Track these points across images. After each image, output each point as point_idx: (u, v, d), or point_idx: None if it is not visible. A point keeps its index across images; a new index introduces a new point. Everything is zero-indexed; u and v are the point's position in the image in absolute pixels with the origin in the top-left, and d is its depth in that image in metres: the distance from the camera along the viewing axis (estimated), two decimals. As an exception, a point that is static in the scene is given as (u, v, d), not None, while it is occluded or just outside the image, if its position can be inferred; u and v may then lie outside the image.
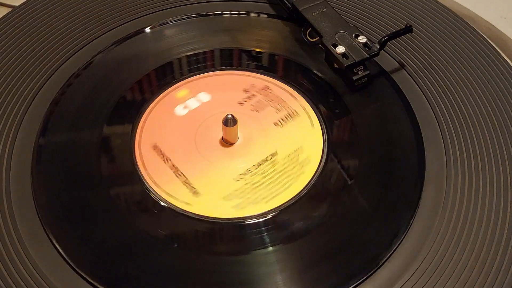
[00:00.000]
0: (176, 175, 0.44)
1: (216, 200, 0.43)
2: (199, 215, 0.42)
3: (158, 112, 0.49)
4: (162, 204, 0.43)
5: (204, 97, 0.50)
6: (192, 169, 0.45)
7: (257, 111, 0.49)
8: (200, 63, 0.53)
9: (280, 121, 0.48)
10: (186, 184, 0.44)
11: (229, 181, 0.44)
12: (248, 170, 0.45)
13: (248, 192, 0.44)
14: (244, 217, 0.42)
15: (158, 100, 0.50)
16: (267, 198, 0.43)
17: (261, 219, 0.42)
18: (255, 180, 0.44)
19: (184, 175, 0.44)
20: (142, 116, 0.48)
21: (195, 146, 0.46)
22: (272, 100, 0.50)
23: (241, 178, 0.44)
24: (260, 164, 0.45)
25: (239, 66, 0.53)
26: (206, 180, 0.44)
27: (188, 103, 0.49)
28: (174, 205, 0.43)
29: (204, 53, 0.54)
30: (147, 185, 0.44)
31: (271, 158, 0.46)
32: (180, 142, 0.47)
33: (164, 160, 0.45)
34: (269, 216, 0.42)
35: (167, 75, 0.52)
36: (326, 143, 0.47)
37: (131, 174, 0.45)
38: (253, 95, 0.50)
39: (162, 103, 0.49)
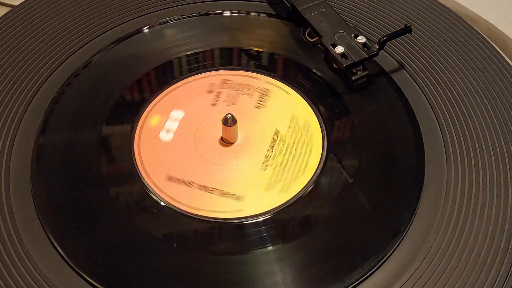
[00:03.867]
0: (209, 192, 0.44)
1: (261, 194, 0.43)
2: (199, 215, 0.42)
3: (147, 140, 0.47)
4: (162, 204, 0.43)
5: (178, 114, 0.49)
6: (222, 180, 0.45)
7: (234, 104, 0.49)
8: (199, 62, 0.53)
9: (259, 103, 0.49)
10: (225, 195, 0.44)
11: (258, 173, 0.45)
12: (266, 156, 0.46)
13: (281, 173, 0.44)
14: (244, 217, 0.42)
15: (157, 101, 0.50)
16: (301, 169, 0.45)
17: (261, 219, 0.42)
18: (280, 161, 0.45)
19: (217, 188, 0.44)
20: (141, 115, 0.48)
21: (204, 158, 0.46)
22: (238, 89, 0.50)
23: (266, 165, 0.45)
24: (272, 146, 0.46)
25: (238, 66, 0.53)
26: (240, 182, 0.44)
27: (168, 126, 0.48)
28: (174, 204, 0.43)
29: (204, 52, 0.54)
30: (146, 185, 0.44)
31: (277, 136, 0.46)
32: (189, 161, 0.46)
33: (187, 185, 0.44)
34: (269, 215, 0.42)
35: (166, 74, 0.52)
36: (326, 142, 0.47)
37: (131, 174, 0.45)
38: (219, 92, 0.50)
39: (145, 132, 0.47)
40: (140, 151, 0.46)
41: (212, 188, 0.44)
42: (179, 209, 0.42)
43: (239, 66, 0.53)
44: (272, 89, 0.50)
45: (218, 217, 0.42)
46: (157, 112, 0.49)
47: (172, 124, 0.48)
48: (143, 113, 0.49)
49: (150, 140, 0.47)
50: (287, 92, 0.49)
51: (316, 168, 0.45)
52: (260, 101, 0.49)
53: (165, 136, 0.47)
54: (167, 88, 0.51)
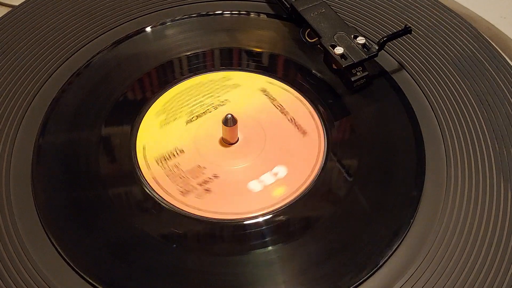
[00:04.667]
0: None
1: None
2: (199, 215, 0.42)
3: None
4: (162, 204, 0.43)
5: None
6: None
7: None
8: (200, 63, 0.53)
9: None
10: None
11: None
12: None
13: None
14: (243, 217, 0.42)
15: (158, 99, 0.50)
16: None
17: (261, 219, 0.42)
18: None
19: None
20: (142, 115, 0.48)
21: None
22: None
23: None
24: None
25: (238, 66, 0.53)
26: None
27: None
28: (174, 205, 0.43)
29: (204, 52, 0.54)
30: (146, 185, 0.44)
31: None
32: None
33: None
34: (270, 215, 0.42)
35: (167, 74, 0.52)
36: (326, 143, 0.47)
37: (131, 174, 0.45)
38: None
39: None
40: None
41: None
42: (179, 209, 0.43)
43: (239, 67, 0.53)
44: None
45: (218, 217, 0.42)
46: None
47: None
48: (143, 113, 0.49)
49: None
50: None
51: (316, 168, 0.45)
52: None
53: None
54: (168, 88, 0.51)
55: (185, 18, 0.57)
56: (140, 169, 0.45)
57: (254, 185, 0.44)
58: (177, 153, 0.46)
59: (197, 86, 0.51)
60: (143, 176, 0.44)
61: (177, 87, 0.51)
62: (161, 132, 0.48)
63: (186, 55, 0.54)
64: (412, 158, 0.46)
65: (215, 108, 0.49)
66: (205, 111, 0.49)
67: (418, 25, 0.56)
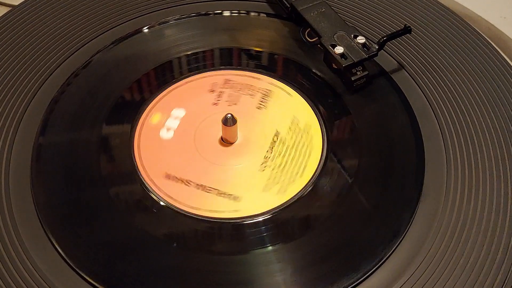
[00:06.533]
0: (206, 191, 0.44)
1: (258, 195, 0.43)
2: (199, 215, 0.42)
3: (146, 139, 0.47)
4: (162, 203, 0.43)
5: (179, 112, 0.49)
6: (219, 179, 0.45)
7: (235, 104, 0.49)
8: (199, 62, 0.53)
9: (260, 104, 0.49)
10: (222, 195, 0.44)
11: (256, 174, 0.45)
12: (265, 157, 0.46)
13: (279, 175, 0.44)
14: (243, 217, 0.42)
15: (157, 100, 0.50)
16: (299, 171, 0.45)
17: (261, 219, 0.42)
18: (278, 163, 0.45)
19: (214, 188, 0.44)
20: (141, 115, 0.48)
21: (203, 157, 0.46)
22: (240, 89, 0.50)
23: (265, 166, 0.45)
24: (272, 147, 0.46)
25: (239, 66, 0.53)
26: (238, 182, 0.44)
27: (169, 124, 0.48)
28: (173, 205, 0.43)
29: (204, 52, 0.54)
30: (146, 185, 0.44)
31: (277, 138, 0.47)
32: (187, 159, 0.46)
33: (184, 183, 0.44)
34: (269, 215, 0.42)
35: (166, 74, 0.52)
36: (326, 143, 0.47)
37: (131, 174, 0.45)
38: (221, 92, 0.50)
39: (144, 132, 0.47)
40: (140, 151, 0.46)
41: (209, 187, 0.44)
42: (179, 209, 0.43)
43: (239, 66, 0.53)
44: (274, 90, 0.50)
45: (218, 217, 0.42)
46: (158, 110, 0.49)
47: (172, 123, 0.48)
48: (143, 112, 0.49)
49: (150, 139, 0.47)
50: (289, 94, 0.50)
51: (316, 168, 0.45)
52: (261, 102, 0.49)
53: (166, 135, 0.47)
54: (167, 87, 0.51)
55: (185, 18, 0.57)
56: (139, 168, 0.45)
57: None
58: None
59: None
60: (143, 176, 0.44)
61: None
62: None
63: (185, 54, 0.53)
64: (412, 158, 0.46)
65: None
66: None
67: (418, 25, 0.56)
